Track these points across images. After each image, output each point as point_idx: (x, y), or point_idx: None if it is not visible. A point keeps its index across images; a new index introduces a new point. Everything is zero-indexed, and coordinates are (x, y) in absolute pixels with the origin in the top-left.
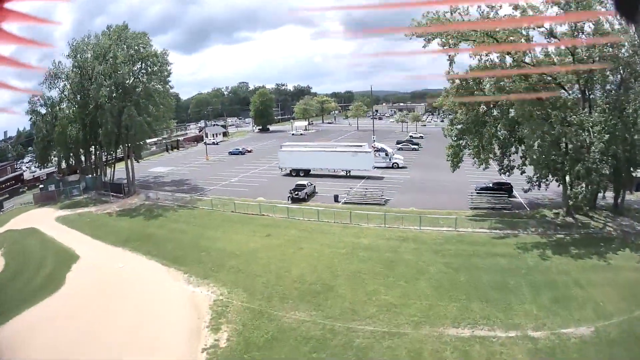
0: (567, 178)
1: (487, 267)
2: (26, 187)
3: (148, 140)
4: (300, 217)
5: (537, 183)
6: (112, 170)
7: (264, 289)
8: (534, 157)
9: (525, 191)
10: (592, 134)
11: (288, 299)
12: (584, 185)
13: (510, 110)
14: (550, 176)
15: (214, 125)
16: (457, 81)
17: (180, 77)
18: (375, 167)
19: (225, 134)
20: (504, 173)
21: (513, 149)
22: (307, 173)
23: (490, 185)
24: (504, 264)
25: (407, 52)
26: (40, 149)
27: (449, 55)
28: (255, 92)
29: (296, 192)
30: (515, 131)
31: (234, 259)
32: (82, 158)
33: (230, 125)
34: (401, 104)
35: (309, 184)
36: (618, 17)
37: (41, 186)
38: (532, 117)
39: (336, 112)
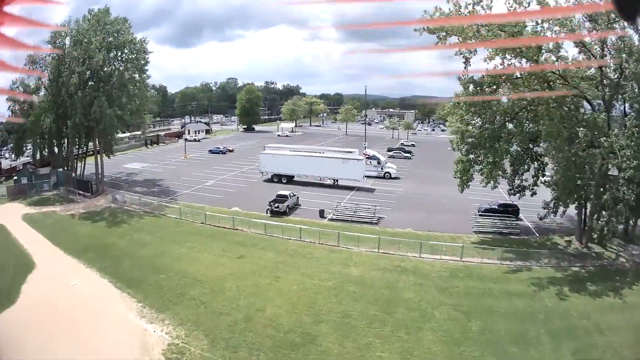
0: (588, 205)
1: (503, 311)
2: (3, 178)
3: (126, 135)
4: (279, 234)
5: (554, 209)
6: (83, 165)
7: (229, 335)
8: (559, 180)
9: (541, 218)
10: (620, 158)
11: (259, 351)
12: (607, 215)
13: (527, 123)
14: (570, 203)
15: (198, 121)
16: (471, 87)
17: (171, 71)
18: (365, 177)
19: (208, 131)
20: (515, 194)
21: (524, 167)
22: (290, 180)
23: (495, 206)
24: (521, 306)
25: (422, 48)
26: (16, 138)
27: (465, 56)
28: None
29: (276, 205)
30: (530, 148)
31: (198, 287)
32: (55, 150)
33: (215, 123)
34: (390, 110)
35: (292, 194)
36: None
37: (15, 177)
38: (561, 135)
39: (325, 114)
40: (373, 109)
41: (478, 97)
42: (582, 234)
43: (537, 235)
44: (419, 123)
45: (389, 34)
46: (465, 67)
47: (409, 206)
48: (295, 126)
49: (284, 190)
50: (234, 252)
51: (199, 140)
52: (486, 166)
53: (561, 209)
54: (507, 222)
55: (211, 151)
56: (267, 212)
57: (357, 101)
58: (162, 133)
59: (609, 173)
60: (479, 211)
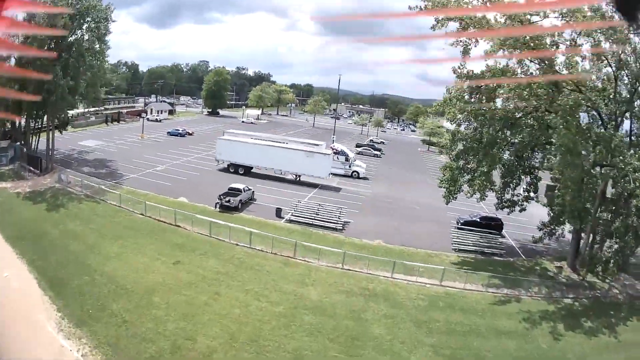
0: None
1: (492, 356)
2: None
3: (87, 110)
4: (226, 237)
5: (552, 232)
6: (37, 139)
7: None
8: (565, 199)
9: (536, 241)
10: (632, 182)
11: None
12: (616, 245)
13: (530, 130)
14: (575, 226)
15: (162, 101)
16: (467, 83)
17: (148, 51)
18: (331, 174)
19: (171, 112)
20: (503, 208)
21: (516, 180)
22: (247, 171)
23: (477, 219)
24: (512, 348)
25: (417, 37)
26: None
27: (465, 44)
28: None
29: (227, 199)
30: (524, 159)
31: (123, 298)
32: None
33: (180, 104)
34: (360, 106)
35: (246, 188)
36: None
37: None
38: (575, 148)
39: (293, 105)
40: (343, 104)
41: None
42: (575, 260)
43: (524, 257)
44: (388, 121)
45: (366, 30)
46: (464, 55)
47: (379, 211)
48: (262, 114)
49: (238, 182)
50: (171, 255)
51: (160, 121)
52: (479, 176)
53: (561, 231)
54: (491, 239)
55: (169, 133)
56: (216, 207)
57: (327, 94)
58: (124, 111)
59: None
60: (457, 223)
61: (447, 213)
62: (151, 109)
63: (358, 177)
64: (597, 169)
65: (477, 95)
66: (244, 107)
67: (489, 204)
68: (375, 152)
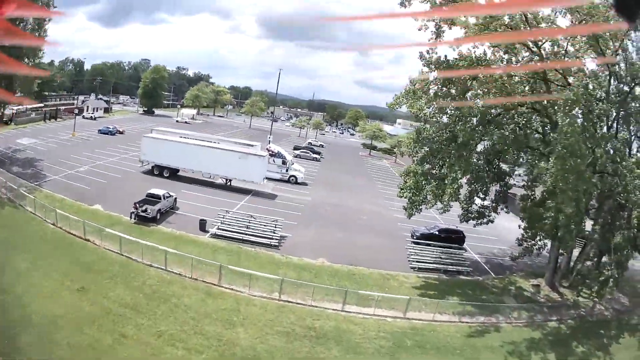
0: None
1: None
2: None
3: (26, 107)
4: (139, 256)
5: (534, 248)
6: None
7: None
8: (564, 211)
9: (514, 259)
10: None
11: None
12: (613, 261)
13: (512, 128)
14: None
15: (99, 99)
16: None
17: (99, 49)
18: (266, 179)
19: (107, 110)
20: (468, 221)
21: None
22: (173, 174)
23: (436, 232)
24: None
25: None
26: None
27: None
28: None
29: (144, 207)
30: (493, 163)
31: (28, 332)
32: None
33: (118, 103)
34: (299, 110)
35: (167, 194)
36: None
37: None
38: (580, 151)
39: (230, 106)
40: (281, 107)
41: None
42: (554, 277)
43: (493, 274)
44: (327, 125)
45: (307, 35)
46: (436, 39)
47: (321, 222)
48: (198, 114)
49: (160, 187)
50: (77, 278)
51: (95, 119)
52: (451, 183)
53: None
54: (453, 254)
55: (100, 131)
56: (131, 217)
57: (266, 96)
58: (62, 108)
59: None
60: (413, 236)
61: (398, 224)
62: (87, 107)
63: (296, 182)
64: (595, 177)
65: (449, 87)
66: (179, 106)
67: (446, 215)
68: (315, 156)
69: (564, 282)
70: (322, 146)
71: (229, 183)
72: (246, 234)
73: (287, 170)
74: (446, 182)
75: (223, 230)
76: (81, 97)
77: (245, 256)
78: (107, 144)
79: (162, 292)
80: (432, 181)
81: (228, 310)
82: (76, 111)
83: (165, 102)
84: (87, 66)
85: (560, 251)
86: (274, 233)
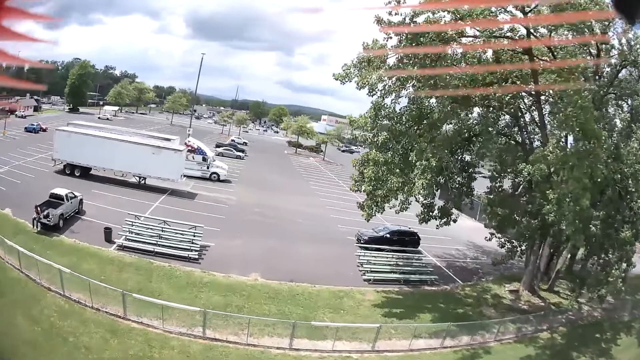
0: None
1: None
2: None
3: None
4: (37, 275)
5: (516, 250)
6: None
7: None
8: (580, 205)
9: (496, 264)
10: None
11: None
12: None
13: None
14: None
15: (31, 98)
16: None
17: (38, 51)
18: (184, 177)
19: (37, 109)
20: (426, 221)
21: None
22: (85, 172)
23: (387, 235)
24: None
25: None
26: None
27: None
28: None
29: (45, 213)
30: (456, 152)
31: None
32: None
33: (49, 102)
34: (222, 108)
35: (71, 194)
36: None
37: None
38: (598, 138)
39: (154, 105)
40: (204, 105)
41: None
42: (534, 280)
43: (461, 282)
44: (251, 122)
45: (234, 35)
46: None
47: (250, 227)
48: (121, 111)
49: (62, 188)
50: None
51: (24, 117)
52: (422, 173)
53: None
54: (411, 260)
55: (26, 129)
56: (34, 225)
57: (189, 94)
58: None
59: None
60: (359, 240)
61: (339, 226)
62: (20, 106)
63: (218, 180)
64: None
65: (416, 56)
66: (100, 102)
67: (388, 214)
68: (238, 153)
69: (541, 284)
70: (246, 144)
71: (143, 181)
72: (159, 245)
73: (208, 167)
74: (415, 171)
75: (132, 240)
76: (17, 97)
77: (158, 275)
78: (31, 143)
79: (60, 327)
80: (396, 170)
81: (137, 353)
82: (7, 109)
83: (91, 100)
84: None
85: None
86: (193, 243)
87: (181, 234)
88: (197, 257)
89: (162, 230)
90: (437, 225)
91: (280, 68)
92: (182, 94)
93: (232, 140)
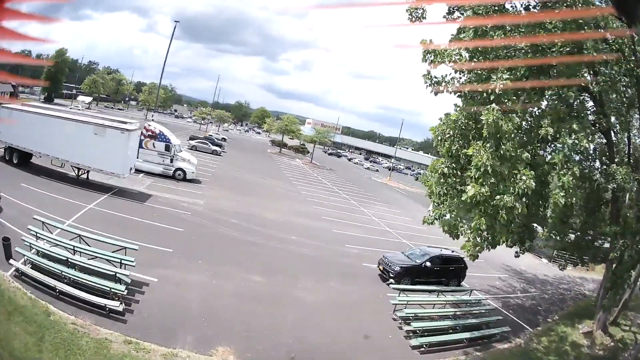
0: None
1: None
2: None
3: None
4: None
5: None
6: None
7: None
8: None
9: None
10: None
11: None
12: None
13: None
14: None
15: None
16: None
17: (30, 45)
18: (137, 171)
19: (12, 95)
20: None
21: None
22: (24, 160)
23: (426, 262)
24: None
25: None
26: None
27: None
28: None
29: None
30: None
31: None
32: None
33: (26, 92)
34: (202, 108)
35: None
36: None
37: None
38: None
39: (134, 102)
40: (185, 105)
41: None
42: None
43: (529, 327)
44: (232, 123)
45: (218, 38)
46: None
47: (219, 248)
48: (96, 104)
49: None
50: None
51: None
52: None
53: None
54: (472, 304)
55: None
56: None
57: (170, 93)
58: None
59: None
60: (387, 273)
61: (346, 246)
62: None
63: (184, 179)
64: None
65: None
66: (75, 91)
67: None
68: (215, 148)
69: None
70: (225, 140)
71: (85, 174)
72: (67, 276)
73: (171, 161)
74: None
75: (34, 264)
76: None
77: (53, 340)
78: None
79: None
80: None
81: None
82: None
83: (68, 92)
84: None
85: None
86: (118, 281)
87: (106, 259)
88: (119, 308)
89: (74, 252)
90: (517, 253)
91: (263, 72)
92: (162, 91)
93: (210, 135)
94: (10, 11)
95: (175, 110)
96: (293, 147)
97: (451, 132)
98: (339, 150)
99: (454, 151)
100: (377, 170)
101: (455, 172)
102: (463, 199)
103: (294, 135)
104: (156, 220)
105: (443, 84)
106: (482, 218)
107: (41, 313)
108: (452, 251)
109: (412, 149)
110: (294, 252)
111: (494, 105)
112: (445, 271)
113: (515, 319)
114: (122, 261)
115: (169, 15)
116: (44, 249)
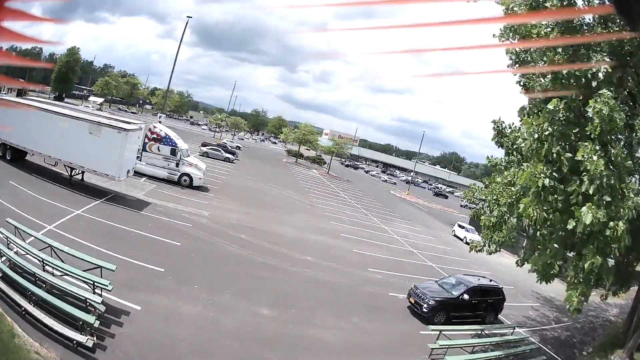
0: None
1: None
2: None
3: None
4: None
5: None
6: None
7: None
8: None
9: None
10: None
11: None
12: None
13: None
14: None
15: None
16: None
17: (42, 47)
18: (139, 174)
19: (20, 93)
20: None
21: None
22: (18, 157)
23: (463, 295)
24: None
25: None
26: None
27: None
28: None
29: None
30: None
31: None
32: None
33: (37, 90)
34: (217, 115)
35: None
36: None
37: None
38: None
39: (149, 106)
40: (201, 112)
41: None
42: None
43: None
44: (247, 132)
45: (236, 46)
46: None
47: (223, 271)
48: (109, 106)
49: None
50: None
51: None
52: None
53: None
54: (517, 343)
55: None
56: None
57: (186, 97)
58: None
59: None
60: (419, 307)
61: (369, 270)
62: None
63: (190, 186)
64: None
65: None
66: (86, 92)
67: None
68: (227, 155)
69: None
70: (239, 148)
71: (75, 176)
72: (33, 297)
73: (177, 165)
74: None
75: (3, 271)
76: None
77: None
78: None
79: None
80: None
81: None
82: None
83: (79, 93)
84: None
85: None
86: (91, 307)
87: (79, 277)
88: (89, 344)
89: (43, 267)
90: (603, 296)
91: (282, 83)
92: (178, 94)
93: (224, 142)
94: (12, 11)
95: (191, 117)
96: (310, 157)
97: (550, 129)
98: (355, 162)
99: (554, 155)
100: (394, 184)
101: (556, 185)
102: (570, 227)
103: (311, 145)
104: (150, 232)
105: (531, 62)
106: (598, 256)
107: (7, 331)
108: (490, 280)
109: (429, 163)
110: (310, 277)
111: (605, 90)
112: (484, 304)
113: (554, 355)
114: (96, 284)
115: (188, 22)
116: (13, 259)
